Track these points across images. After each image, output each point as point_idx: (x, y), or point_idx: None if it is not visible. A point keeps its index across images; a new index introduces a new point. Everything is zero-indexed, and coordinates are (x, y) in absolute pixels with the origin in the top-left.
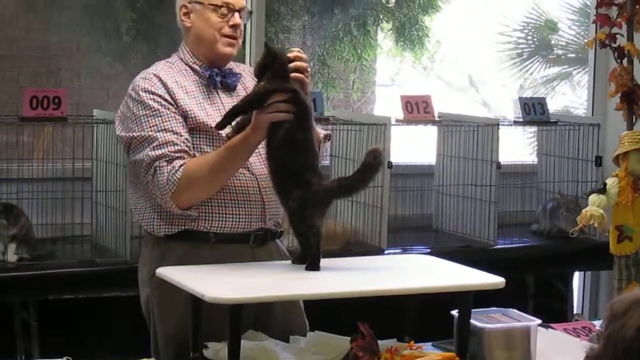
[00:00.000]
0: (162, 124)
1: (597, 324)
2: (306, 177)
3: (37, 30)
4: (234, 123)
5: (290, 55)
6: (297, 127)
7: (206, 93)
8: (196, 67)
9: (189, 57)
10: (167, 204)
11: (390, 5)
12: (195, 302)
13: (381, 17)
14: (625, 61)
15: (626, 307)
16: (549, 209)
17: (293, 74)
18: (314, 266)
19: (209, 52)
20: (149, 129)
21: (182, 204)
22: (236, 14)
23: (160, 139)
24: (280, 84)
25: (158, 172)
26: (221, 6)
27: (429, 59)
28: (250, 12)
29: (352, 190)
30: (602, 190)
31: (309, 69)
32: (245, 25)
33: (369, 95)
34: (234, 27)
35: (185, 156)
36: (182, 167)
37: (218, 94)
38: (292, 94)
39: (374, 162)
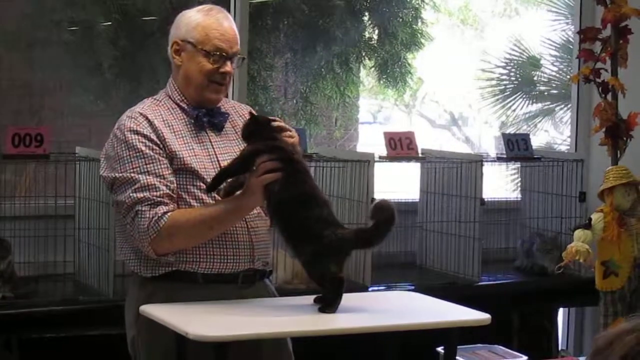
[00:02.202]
0: (145, 166)
1: None
2: (314, 231)
3: (19, 68)
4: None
5: (274, 124)
6: (291, 183)
7: (194, 132)
8: (184, 105)
9: (177, 95)
10: (145, 249)
11: (372, 42)
12: (180, 341)
13: (364, 54)
14: (609, 96)
15: (610, 341)
16: (524, 247)
17: (284, 138)
18: (327, 308)
19: (196, 95)
20: (131, 171)
21: (159, 250)
22: (228, 62)
23: (142, 182)
24: (265, 143)
25: (139, 215)
26: (213, 53)
27: (411, 96)
28: (244, 59)
29: (370, 244)
30: (588, 225)
31: (294, 133)
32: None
33: (352, 133)
34: (224, 74)
35: (168, 200)
36: (166, 215)
37: (207, 132)
38: (278, 151)
39: (389, 219)
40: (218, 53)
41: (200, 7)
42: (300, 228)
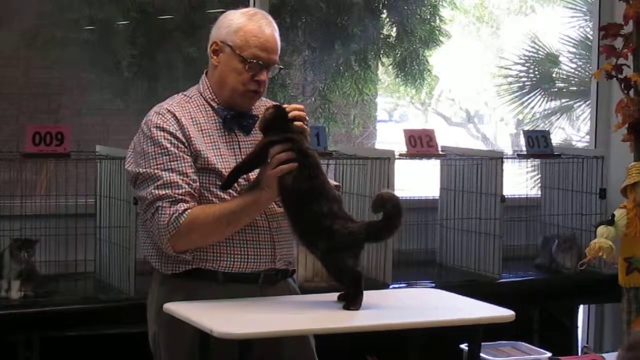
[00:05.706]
0: (168, 163)
1: (606, 356)
2: (325, 225)
3: (37, 67)
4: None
5: (288, 107)
6: (303, 177)
7: (222, 131)
8: (214, 104)
9: (209, 93)
10: (164, 245)
11: (391, 40)
12: (204, 338)
13: (382, 52)
14: (632, 92)
15: None
16: (545, 245)
17: (295, 123)
18: (351, 305)
19: (228, 98)
20: (155, 167)
21: (178, 247)
22: (264, 71)
23: (164, 179)
24: (278, 135)
25: (160, 212)
26: (251, 60)
27: (427, 94)
28: (281, 68)
29: (380, 238)
30: (611, 221)
31: (307, 118)
32: None
33: (370, 130)
34: (259, 82)
35: (189, 199)
36: (186, 212)
37: (235, 132)
38: (290, 143)
39: (395, 211)
40: (255, 61)
41: (244, 9)
42: (310, 223)
